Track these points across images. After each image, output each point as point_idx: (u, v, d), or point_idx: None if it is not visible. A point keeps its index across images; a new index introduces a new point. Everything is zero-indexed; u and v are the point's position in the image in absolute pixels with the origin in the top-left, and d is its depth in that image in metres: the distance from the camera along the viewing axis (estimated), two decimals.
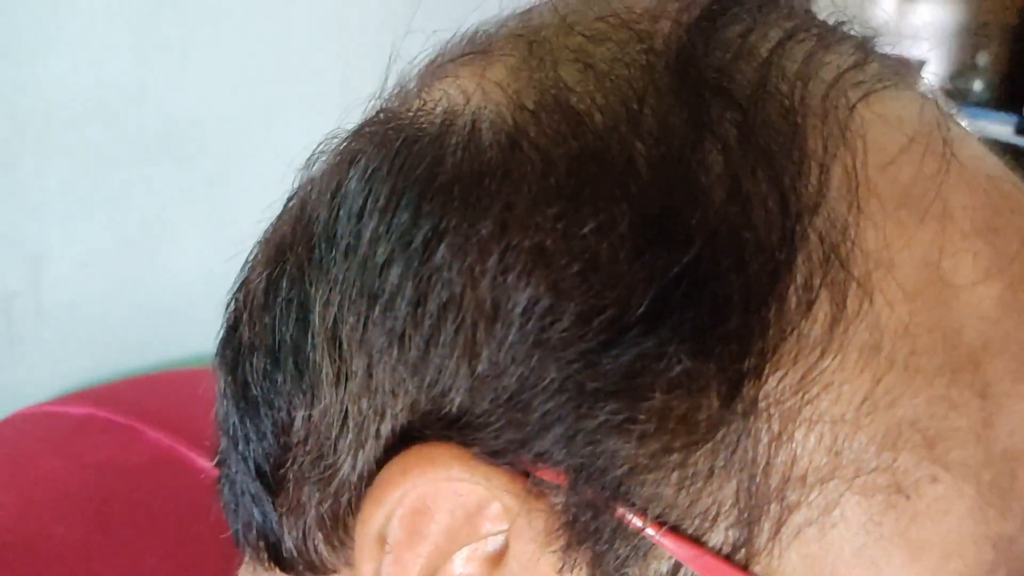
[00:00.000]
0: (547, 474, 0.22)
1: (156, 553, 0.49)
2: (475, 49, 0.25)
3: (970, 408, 0.21)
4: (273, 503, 0.27)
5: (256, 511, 0.27)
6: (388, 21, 0.67)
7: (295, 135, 0.65)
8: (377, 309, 0.23)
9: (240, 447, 0.27)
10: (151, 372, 0.61)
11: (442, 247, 0.22)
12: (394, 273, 0.22)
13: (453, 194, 0.22)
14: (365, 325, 0.23)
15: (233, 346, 0.27)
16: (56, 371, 0.59)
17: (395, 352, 0.23)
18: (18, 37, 0.56)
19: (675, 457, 0.21)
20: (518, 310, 0.21)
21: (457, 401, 0.22)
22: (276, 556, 0.27)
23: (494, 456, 0.22)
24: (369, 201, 0.23)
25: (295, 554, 0.26)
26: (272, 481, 0.26)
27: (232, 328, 0.27)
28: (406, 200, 0.23)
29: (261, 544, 0.27)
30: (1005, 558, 0.22)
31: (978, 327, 0.22)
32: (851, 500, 0.21)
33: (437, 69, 0.26)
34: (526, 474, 0.22)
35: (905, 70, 0.25)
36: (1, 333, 0.58)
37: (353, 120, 0.28)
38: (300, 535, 0.26)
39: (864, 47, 0.25)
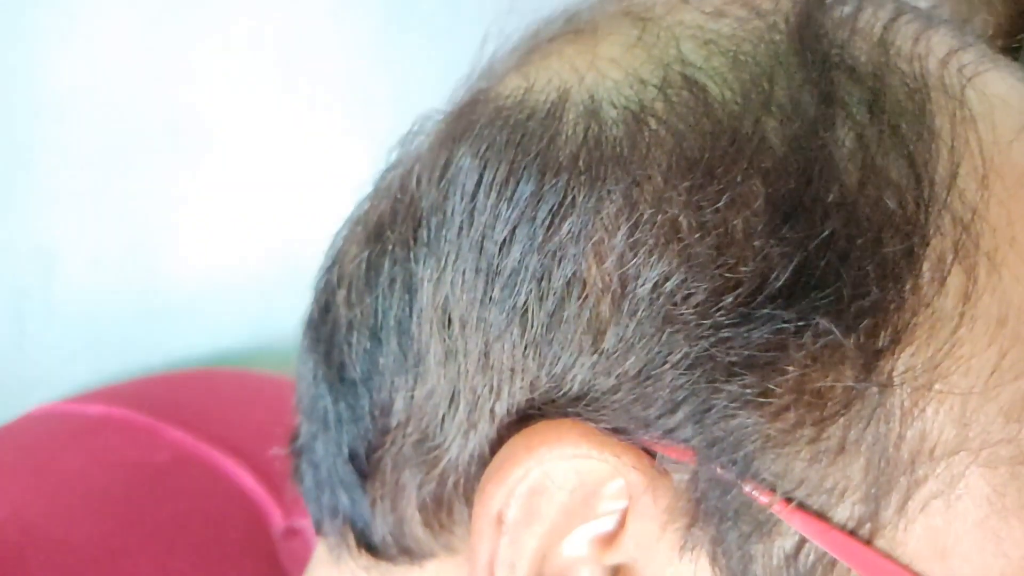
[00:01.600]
0: (673, 451, 0.22)
1: (182, 552, 0.48)
2: (578, 28, 0.25)
3: None
4: (363, 488, 0.26)
5: (344, 496, 0.27)
6: (392, 19, 0.67)
7: (304, 133, 0.64)
8: (496, 287, 0.23)
9: (332, 431, 0.26)
10: (163, 371, 0.60)
11: (568, 222, 0.22)
12: (516, 249, 0.22)
13: (578, 168, 0.22)
14: (482, 303, 0.23)
15: (326, 327, 0.27)
16: (66, 369, 0.58)
17: (515, 330, 0.22)
18: (30, 33, 0.55)
19: (808, 432, 0.21)
20: (648, 286, 0.21)
21: (579, 378, 0.22)
22: (366, 542, 0.27)
23: (620, 433, 0.22)
24: (485, 177, 0.23)
25: (389, 540, 0.26)
26: (366, 465, 0.26)
27: (324, 309, 0.27)
28: (527, 175, 0.22)
29: (348, 530, 0.27)
30: None
31: None
32: (976, 472, 0.21)
33: (536, 49, 0.26)
34: (650, 452, 0.22)
35: (999, 55, 0.26)
36: (11, 330, 0.57)
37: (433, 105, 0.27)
38: (396, 520, 0.26)
39: (960, 31, 0.25)
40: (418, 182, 0.25)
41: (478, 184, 0.23)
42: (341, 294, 0.26)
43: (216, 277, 0.62)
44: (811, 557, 0.22)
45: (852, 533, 0.21)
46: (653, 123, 0.22)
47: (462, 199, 0.23)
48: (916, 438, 0.21)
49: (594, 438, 0.22)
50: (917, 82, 0.22)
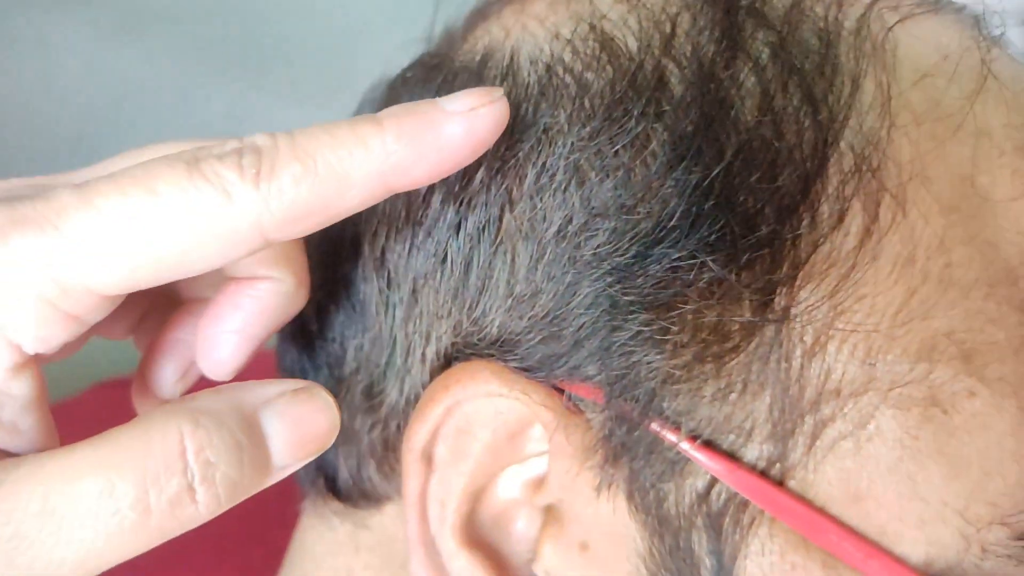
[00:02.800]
0: (583, 389, 0.22)
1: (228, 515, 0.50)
2: None
3: (1008, 322, 0.21)
4: None
5: None
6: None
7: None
8: (420, 235, 0.24)
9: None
10: None
11: (481, 170, 0.23)
12: (436, 199, 0.23)
13: None
14: (410, 252, 0.24)
15: None
16: (127, 348, 0.62)
17: (438, 276, 0.24)
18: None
19: (708, 368, 0.21)
20: (553, 228, 0.22)
21: (497, 321, 0.23)
22: (333, 488, 0.28)
23: (531, 371, 0.22)
24: None
25: (350, 484, 0.27)
26: None
27: None
28: None
29: (320, 478, 0.28)
30: None
31: (1017, 242, 0.21)
32: (887, 413, 0.21)
33: (482, 11, 0.27)
34: (562, 391, 0.23)
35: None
36: None
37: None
38: (355, 464, 0.27)
39: None
40: None
41: None
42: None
43: None
44: (723, 496, 0.22)
45: (763, 474, 0.21)
46: (561, 72, 0.23)
47: None
48: (820, 376, 0.21)
49: (505, 377, 0.22)
50: (827, 23, 0.22)
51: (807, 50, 0.22)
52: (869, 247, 0.21)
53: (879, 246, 0.21)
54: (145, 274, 0.19)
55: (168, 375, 0.24)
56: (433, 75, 0.25)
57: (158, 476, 0.19)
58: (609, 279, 0.21)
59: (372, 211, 0.25)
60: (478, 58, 0.24)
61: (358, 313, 0.26)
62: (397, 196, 0.25)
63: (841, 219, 0.21)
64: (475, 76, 0.24)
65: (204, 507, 0.19)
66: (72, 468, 0.18)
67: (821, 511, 0.21)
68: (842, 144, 0.21)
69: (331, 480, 0.28)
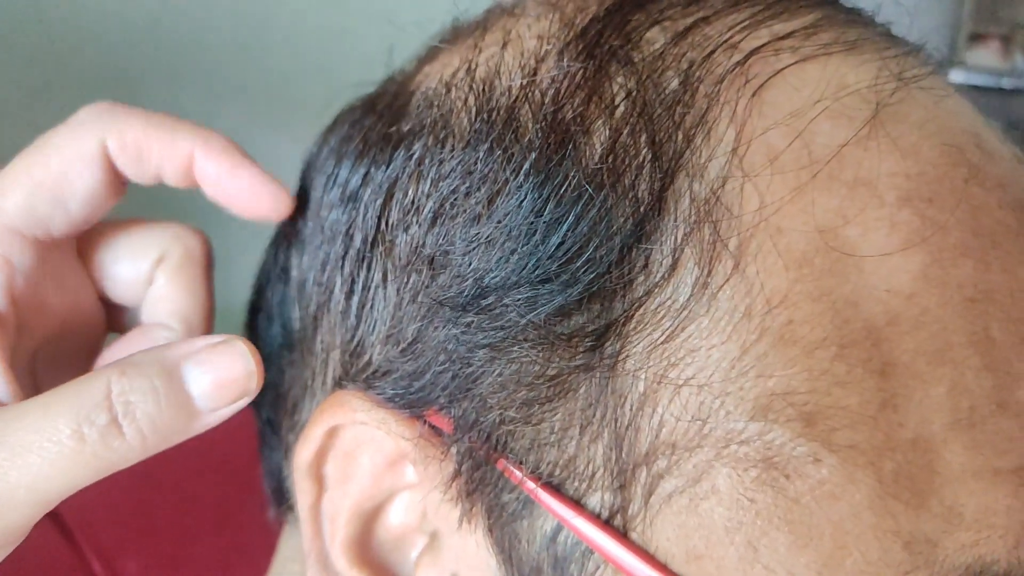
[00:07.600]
0: (437, 420, 0.23)
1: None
2: (447, 40, 0.27)
3: (863, 387, 0.19)
4: (282, 451, 0.30)
5: (273, 457, 0.30)
6: None
7: None
8: (318, 269, 0.25)
9: (256, 406, 0.30)
10: None
11: (361, 204, 0.24)
12: (329, 232, 0.25)
13: (375, 152, 0.24)
14: (313, 279, 0.26)
15: (254, 314, 0.31)
16: None
17: (329, 307, 0.25)
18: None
19: (543, 410, 0.21)
20: (415, 262, 0.23)
21: (368, 352, 0.24)
22: (281, 498, 0.30)
23: (392, 401, 0.23)
24: (330, 170, 0.26)
25: (288, 496, 0.29)
26: (273, 430, 0.30)
27: (255, 298, 0.31)
28: (345, 163, 0.25)
29: (275, 487, 0.31)
30: (924, 562, 0.19)
31: (884, 301, 0.20)
32: (722, 472, 0.20)
33: (420, 59, 0.28)
34: (422, 420, 0.23)
35: (881, 38, 0.24)
36: None
37: None
38: (293, 477, 0.29)
39: (830, 17, 0.23)
40: (301, 181, 0.28)
41: (324, 175, 0.26)
42: (258, 289, 0.30)
43: None
44: (570, 541, 0.22)
45: (607, 523, 0.21)
46: (435, 112, 0.23)
47: (316, 191, 0.27)
48: (653, 427, 0.20)
49: (368, 404, 0.23)
50: (693, 69, 0.21)
51: (664, 95, 0.21)
52: (704, 300, 0.20)
53: (714, 300, 0.20)
54: None
55: None
56: (348, 116, 0.27)
57: (88, 413, 0.22)
58: (454, 318, 0.22)
59: (298, 242, 0.27)
60: (389, 99, 0.26)
61: (287, 342, 0.28)
62: (314, 231, 0.26)
63: (675, 268, 0.20)
64: (375, 116, 0.25)
65: (131, 439, 0.22)
66: (20, 410, 0.22)
67: (662, 567, 0.21)
68: (681, 191, 0.20)
69: (286, 492, 0.30)
